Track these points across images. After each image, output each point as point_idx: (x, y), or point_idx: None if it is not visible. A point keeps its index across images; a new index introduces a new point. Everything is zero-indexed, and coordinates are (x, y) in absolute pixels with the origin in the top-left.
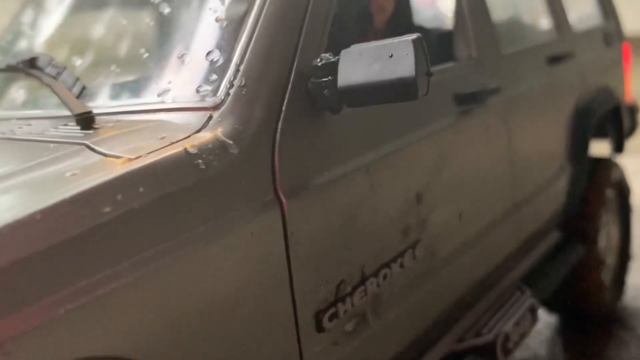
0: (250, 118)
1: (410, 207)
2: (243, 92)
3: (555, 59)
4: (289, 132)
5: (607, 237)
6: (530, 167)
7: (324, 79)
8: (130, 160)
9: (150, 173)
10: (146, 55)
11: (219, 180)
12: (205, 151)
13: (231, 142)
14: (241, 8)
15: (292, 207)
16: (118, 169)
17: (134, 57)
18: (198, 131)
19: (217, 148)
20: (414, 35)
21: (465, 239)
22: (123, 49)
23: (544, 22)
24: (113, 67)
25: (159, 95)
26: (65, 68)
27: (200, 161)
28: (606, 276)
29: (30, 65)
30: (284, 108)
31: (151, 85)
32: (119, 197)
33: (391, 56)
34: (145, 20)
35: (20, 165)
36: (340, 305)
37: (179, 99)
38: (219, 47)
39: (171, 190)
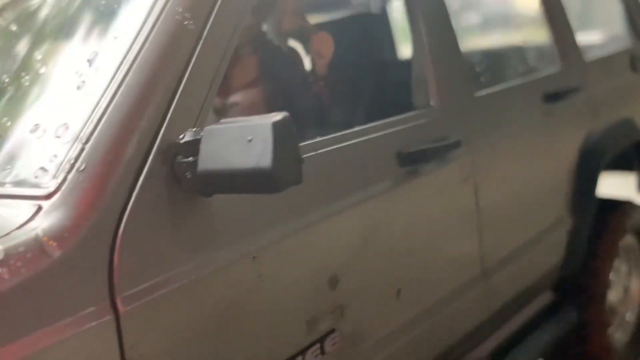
0: (87, 210)
1: (319, 293)
2: (82, 178)
3: (554, 96)
4: (140, 223)
5: (624, 291)
6: (508, 227)
7: (186, 160)
8: None
9: None
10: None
11: (28, 292)
12: (15, 256)
13: (54, 243)
14: (103, 72)
15: (133, 316)
16: None
17: None
18: (20, 227)
19: (32, 252)
20: (278, 116)
21: (407, 318)
22: None
23: (545, 52)
24: None
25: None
26: None
27: (4, 270)
28: (623, 336)
29: None
30: (135, 194)
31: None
32: None
33: (250, 140)
34: None
35: None
36: None
37: (13, 183)
38: (70, 119)
39: None
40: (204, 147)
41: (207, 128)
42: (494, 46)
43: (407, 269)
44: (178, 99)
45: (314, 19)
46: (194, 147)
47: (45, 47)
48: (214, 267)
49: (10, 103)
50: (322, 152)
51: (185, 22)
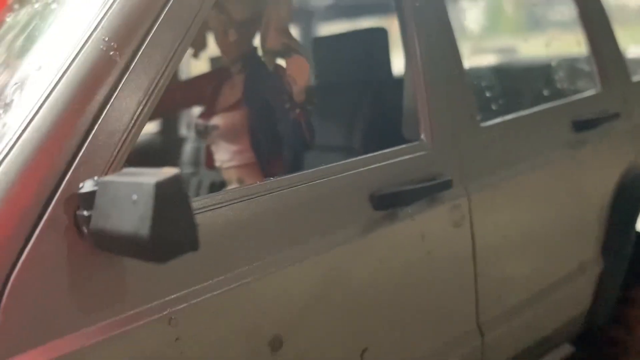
0: None
1: (257, 357)
2: None
3: (588, 123)
4: (33, 280)
5: None
6: (514, 278)
7: (83, 213)
8: None
9: None
10: None
11: None
12: None
13: None
14: (18, 106)
15: None
16: None
17: None
18: None
19: None
20: (166, 174)
21: None
22: None
23: (579, 69)
24: None
25: None
26: None
27: None
28: None
29: None
30: (30, 247)
31: None
32: None
33: (134, 201)
34: None
35: None
36: None
37: None
38: None
39: None
40: (98, 201)
41: (101, 179)
42: (510, 63)
43: (377, 326)
44: (90, 140)
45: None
46: (91, 199)
47: None
48: (119, 330)
49: None
50: (277, 193)
51: (111, 53)
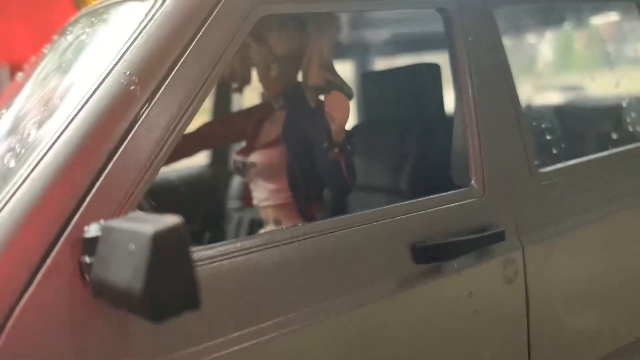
0: None
1: None
2: None
3: None
4: (30, 328)
5: None
6: (573, 341)
7: (86, 260)
8: None
9: None
10: None
11: None
12: None
13: None
14: (35, 142)
15: None
16: None
17: None
18: None
19: None
20: (165, 223)
21: None
22: None
23: None
24: None
25: None
26: None
27: None
28: None
29: None
30: (27, 295)
31: None
32: None
33: (131, 251)
34: None
35: None
36: None
37: None
38: None
39: None
40: (100, 248)
41: (106, 224)
42: (575, 103)
43: None
44: (103, 180)
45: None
46: (94, 245)
47: (29, 103)
48: None
49: None
50: (308, 240)
51: (132, 87)
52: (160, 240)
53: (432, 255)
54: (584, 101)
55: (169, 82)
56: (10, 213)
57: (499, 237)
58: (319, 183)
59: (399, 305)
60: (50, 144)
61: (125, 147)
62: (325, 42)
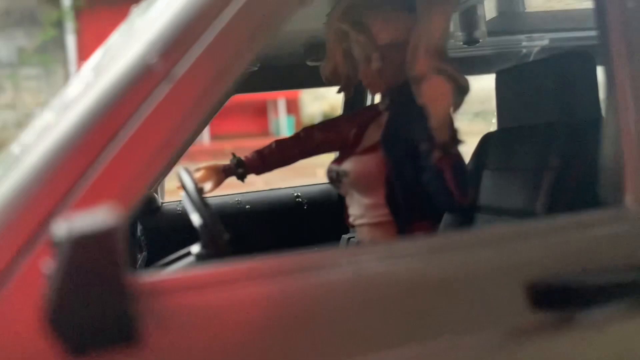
0: None
1: None
2: None
3: None
4: None
5: None
6: None
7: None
8: None
9: None
10: None
11: None
12: None
13: None
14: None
15: None
16: None
17: None
18: None
19: None
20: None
21: None
22: None
23: None
24: None
25: None
26: None
27: None
28: None
29: None
30: None
31: None
32: None
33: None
34: None
35: None
36: None
37: None
38: None
39: None
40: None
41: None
42: None
43: None
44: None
45: None
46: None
47: None
48: None
49: None
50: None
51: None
52: (77, 245)
53: (559, 299)
54: None
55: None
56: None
57: None
58: (423, 198)
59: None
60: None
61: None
62: (434, 26)
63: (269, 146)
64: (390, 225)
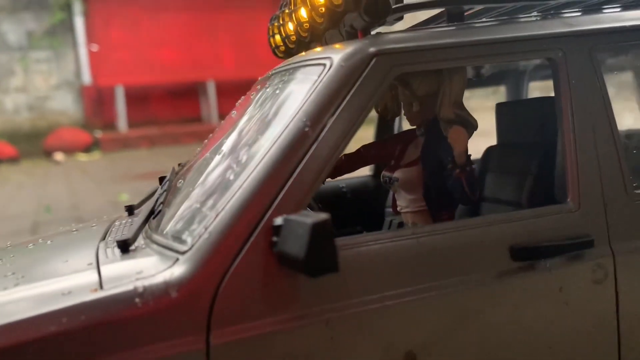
0: (203, 267)
1: None
2: (205, 244)
3: None
4: (237, 282)
5: None
6: None
7: (274, 239)
8: (96, 289)
9: (94, 305)
10: (194, 197)
11: (152, 317)
12: (149, 291)
13: (175, 286)
14: (244, 166)
15: (218, 349)
16: (87, 295)
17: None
18: (161, 272)
19: (160, 291)
20: (319, 217)
21: None
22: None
23: None
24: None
25: (172, 231)
26: (164, 191)
27: (138, 301)
28: None
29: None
30: (237, 261)
31: (176, 222)
32: (63, 320)
33: (299, 234)
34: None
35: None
36: None
37: (176, 238)
38: (216, 199)
39: (103, 320)
40: (282, 232)
41: (285, 217)
42: None
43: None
44: (287, 189)
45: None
46: (279, 230)
47: (240, 136)
48: (291, 324)
49: (207, 176)
50: (423, 237)
51: (305, 128)
52: (316, 228)
53: (527, 254)
54: None
55: (330, 125)
56: (229, 210)
57: (588, 245)
58: (448, 196)
59: (496, 293)
60: (255, 165)
61: (300, 168)
62: (454, 85)
63: (340, 159)
64: (426, 213)
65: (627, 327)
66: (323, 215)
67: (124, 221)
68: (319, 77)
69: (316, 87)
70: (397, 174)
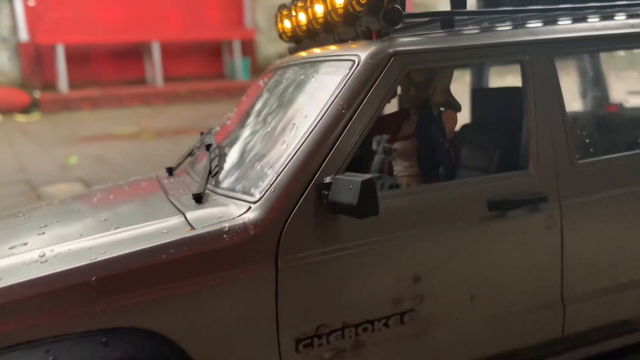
0: (271, 213)
1: (404, 284)
2: (272, 196)
3: None
4: (296, 222)
5: None
6: (596, 267)
7: (325, 192)
8: (190, 229)
9: (193, 240)
10: (249, 160)
11: (236, 248)
12: (233, 229)
13: (252, 226)
14: (296, 136)
15: (284, 270)
16: (184, 233)
17: (242, 162)
18: (239, 216)
19: (241, 229)
20: (366, 177)
21: (478, 317)
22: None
23: None
24: (230, 161)
25: (240, 186)
26: (217, 155)
27: (226, 236)
28: None
29: (206, 148)
30: (296, 208)
31: (240, 180)
32: (171, 251)
33: (350, 188)
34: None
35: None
36: (315, 340)
37: (245, 192)
38: (273, 162)
39: (201, 250)
40: (332, 187)
41: (335, 177)
42: (614, 114)
43: (482, 285)
44: (330, 156)
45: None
46: (329, 186)
47: (277, 113)
48: (333, 255)
49: (254, 143)
50: (428, 194)
51: (343, 110)
52: (365, 184)
53: (500, 206)
54: (623, 113)
55: (360, 109)
56: (287, 171)
57: (543, 199)
58: (437, 164)
59: (477, 234)
60: (304, 138)
61: (339, 141)
62: (445, 75)
63: None
64: (419, 176)
65: (569, 263)
66: (368, 176)
67: (172, 179)
68: (350, 70)
69: (349, 78)
70: (395, 145)
